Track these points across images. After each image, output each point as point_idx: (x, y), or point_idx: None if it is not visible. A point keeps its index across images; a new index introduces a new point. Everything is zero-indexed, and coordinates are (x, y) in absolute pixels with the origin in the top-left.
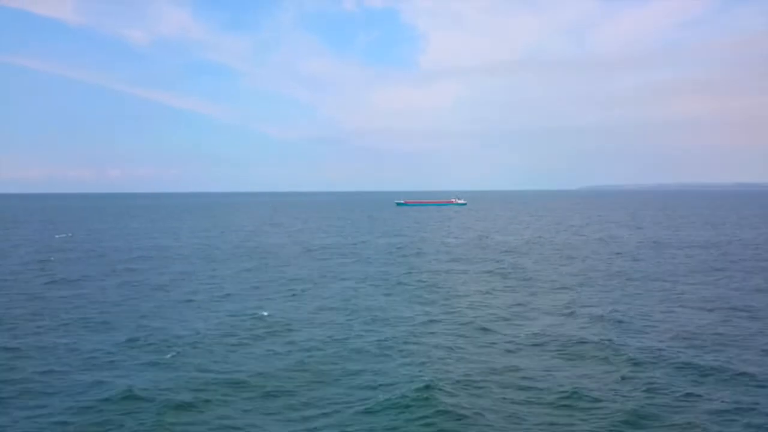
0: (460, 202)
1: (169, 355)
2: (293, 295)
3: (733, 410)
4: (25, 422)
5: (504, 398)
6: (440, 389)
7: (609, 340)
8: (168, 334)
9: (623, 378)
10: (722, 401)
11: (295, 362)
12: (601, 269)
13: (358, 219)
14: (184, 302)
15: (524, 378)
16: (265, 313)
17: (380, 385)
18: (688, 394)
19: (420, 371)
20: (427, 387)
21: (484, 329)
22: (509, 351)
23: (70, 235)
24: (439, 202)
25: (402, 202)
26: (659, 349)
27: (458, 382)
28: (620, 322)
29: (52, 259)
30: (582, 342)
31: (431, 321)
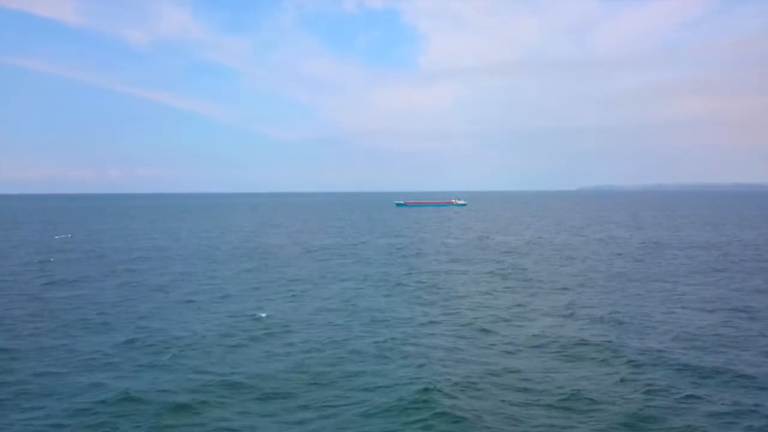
0: (460, 202)
1: (167, 357)
2: (293, 296)
3: (734, 412)
4: (21, 424)
5: (504, 400)
6: (440, 391)
7: (609, 341)
8: (166, 335)
9: (623, 380)
10: (723, 403)
11: (294, 364)
12: (602, 270)
13: (357, 219)
14: (183, 303)
15: (524, 380)
16: (264, 315)
17: (379, 386)
18: (689, 396)
19: (419, 373)
20: (427, 389)
21: (484, 330)
22: (509, 352)
23: (69, 235)
24: (439, 202)
25: (402, 202)
26: (659, 351)
27: (458, 383)
28: (620, 323)
29: (51, 259)
30: (582, 343)
31: (431, 322)
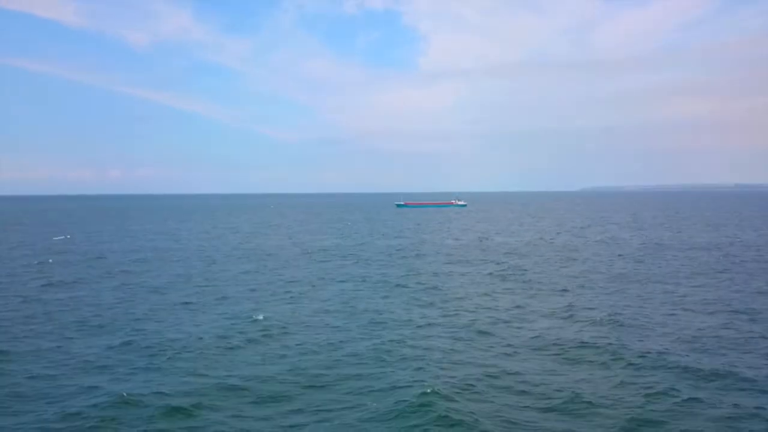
0: (460, 203)
1: (163, 359)
2: (290, 297)
3: (735, 416)
4: (13, 428)
5: (503, 403)
6: (438, 394)
7: (609, 343)
8: (163, 337)
9: (623, 382)
10: (724, 406)
11: (291, 366)
12: (602, 271)
13: (357, 220)
14: (181, 305)
15: (523, 382)
16: (262, 317)
17: (377, 389)
18: (689, 399)
19: (418, 375)
20: (425, 392)
21: (484, 332)
22: (508, 354)
23: (68, 237)
24: (440, 203)
25: (402, 203)
26: (660, 353)
27: (457, 386)
28: (621, 325)
29: (49, 261)
30: (582, 345)
31: (430, 324)
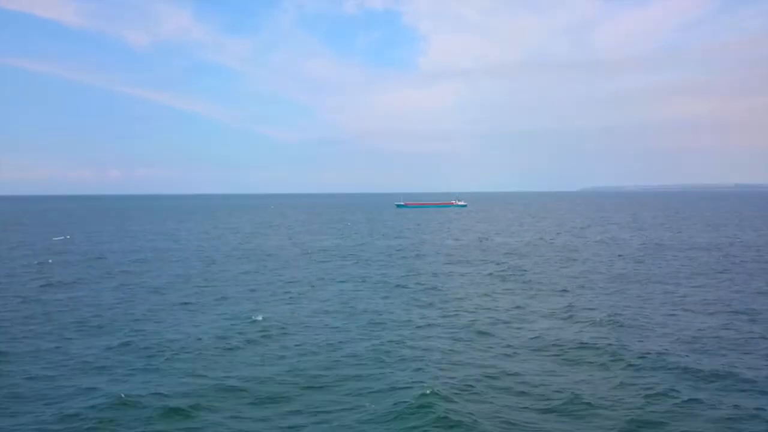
0: (460, 203)
1: (161, 360)
2: (290, 298)
3: (735, 417)
4: (11, 429)
5: (502, 404)
6: (438, 395)
7: (609, 344)
8: (161, 338)
9: (623, 383)
10: (724, 407)
11: (290, 367)
12: (602, 272)
13: (358, 221)
14: (180, 305)
15: (523, 383)
16: (261, 317)
17: (376, 390)
18: (689, 400)
19: (417, 376)
20: (425, 393)
21: (483, 333)
22: (508, 355)
23: (68, 237)
24: (440, 203)
25: (402, 203)
26: (660, 354)
27: (456, 387)
28: (620, 325)
29: (49, 261)
30: (582, 346)
31: (430, 324)
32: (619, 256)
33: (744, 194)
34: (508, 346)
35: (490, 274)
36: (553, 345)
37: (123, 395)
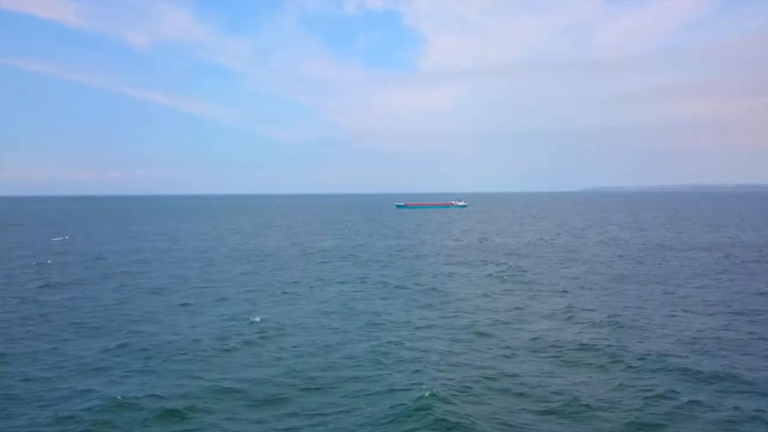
0: (460, 204)
1: (158, 361)
2: (288, 299)
3: (735, 418)
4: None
5: (501, 406)
6: (436, 396)
7: (609, 345)
8: (159, 339)
9: (622, 385)
10: (724, 409)
11: (287, 369)
12: (603, 272)
13: (358, 221)
14: (178, 306)
15: (522, 384)
16: (259, 318)
17: (374, 392)
18: (690, 402)
19: (416, 378)
20: (423, 394)
21: (483, 334)
22: (507, 356)
23: (67, 237)
24: (440, 204)
25: (402, 204)
26: (660, 355)
27: (455, 389)
28: (620, 326)
29: (48, 262)
30: (581, 347)
31: (429, 325)
32: (620, 256)
33: (744, 194)
34: (508, 347)
35: (490, 274)
36: (553, 346)
37: (119, 397)
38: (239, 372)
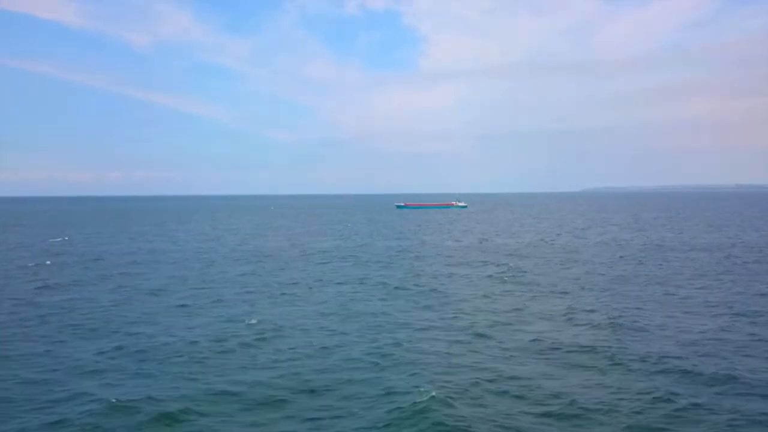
0: (460, 204)
1: (155, 364)
2: (287, 300)
3: (737, 420)
4: None
5: (501, 408)
6: (435, 399)
7: (609, 346)
8: (156, 341)
9: (622, 387)
10: (725, 412)
11: (285, 371)
12: (603, 273)
13: (358, 222)
14: (176, 308)
15: (521, 387)
16: (257, 320)
17: (372, 395)
18: (690, 404)
19: (414, 380)
20: (422, 397)
21: (483, 335)
22: (508, 358)
23: (66, 238)
24: (440, 204)
25: (402, 204)
26: (661, 357)
27: (454, 391)
28: (621, 327)
29: (47, 263)
30: (582, 349)
31: (428, 327)
32: (620, 257)
33: (745, 195)
34: (508, 348)
35: (490, 275)
36: (553, 348)
37: (114, 400)
38: (236, 374)
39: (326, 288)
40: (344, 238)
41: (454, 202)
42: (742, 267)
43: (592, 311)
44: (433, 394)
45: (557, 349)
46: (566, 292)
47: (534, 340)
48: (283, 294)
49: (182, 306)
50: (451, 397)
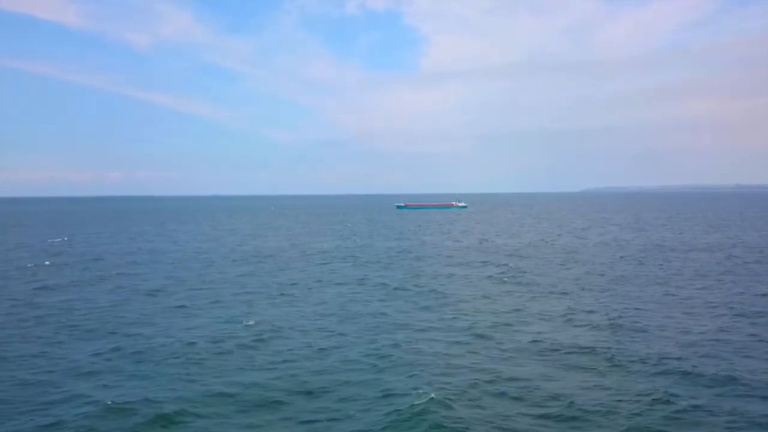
0: (460, 204)
1: (152, 365)
2: (286, 301)
3: (737, 422)
4: None
5: (500, 410)
6: (434, 400)
7: (609, 347)
8: (154, 342)
9: (623, 388)
10: (726, 413)
11: (283, 373)
12: (603, 273)
13: (358, 222)
14: (174, 309)
15: (521, 388)
16: (255, 320)
17: (370, 397)
18: (690, 405)
19: (413, 382)
20: (420, 399)
21: (482, 336)
22: (507, 359)
23: (65, 239)
24: (440, 204)
25: (402, 205)
26: (661, 358)
27: (453, 393)
28: (621, 328)
29: (46, 263)
30: (582, 350)
31: (428, 327)
32: (621, 257)
33: (745, 195)
34: (507, 349)
35: (490, 276)
36: (553, 349)
37: (110, 402)
38: (233, 376)
39: (325, 289)
40: (344, 239)
41: (454, 203)
42: (742, 267)
43: (591, 312)
44: (432, 395)
45: (557, 350)
46: (566, 293)
47: (533, 341)
48: (282, 295)
49: (180, 307)
50: (449, 399)
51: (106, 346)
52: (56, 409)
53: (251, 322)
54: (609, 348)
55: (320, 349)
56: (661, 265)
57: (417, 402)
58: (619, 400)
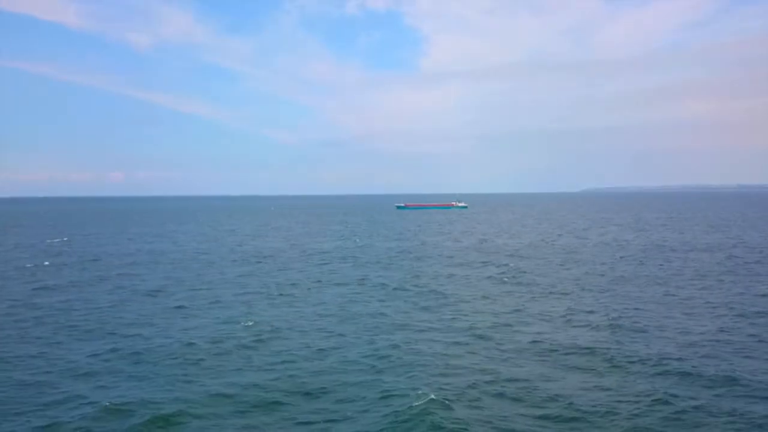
0: (460, 205)
1: (150, 366)
2: (286, 301)
3: (738, 423)
4: None
5: (499, 410)
6: (433, 401)
7: (609, 348)
8: (153, 342)
9: (623, 388)
10: (726, 413)
11: (282, 373)
12: (604, 274)
13: (358, 222)
14: (173, 309)
15: (520, 389)
16: (255, 321)
17: (370, 397)
18: (691, 406)
19: (413, 382)
20: (420, 399)
21: (482, 336)
22: (506, 360)
23: (65, 239)
24: (440, 205)
25: (402, 205)
26: (661, 358)
27: (453, 393)
28: (621, 329)
29: (45, 263)
30: (582, 350)
31: (428, 328)
32: (621, 257)
33: (746, 195)
34: (507, 350)
35: (491, 276)
36: (552, 349)
37: (108, 403)
38: (232, 376)
39: (325, 289)
40: (344, 239)
41: (454, 203)
42: (743, 267)
43: (591, 312)
44: (432, 396)
45: (556, 350)
46: (566, 293)
47: (533, 341)
48: (282, 295)
49: (179, 307)
50: (449, 400)
51: (105, 346)
52: (54, 410)
53: (250, 323)
54: (609, 348)
55: (319, 349)
56: (661, 265)
57: (416, 403)
58: (619, 401)
